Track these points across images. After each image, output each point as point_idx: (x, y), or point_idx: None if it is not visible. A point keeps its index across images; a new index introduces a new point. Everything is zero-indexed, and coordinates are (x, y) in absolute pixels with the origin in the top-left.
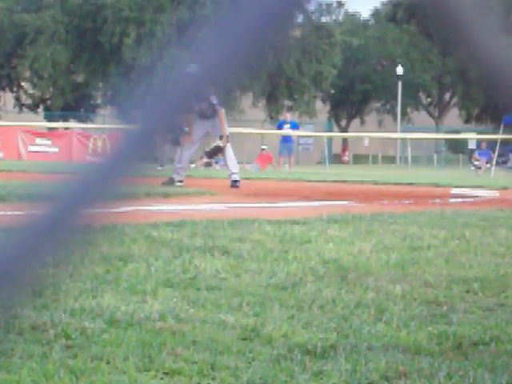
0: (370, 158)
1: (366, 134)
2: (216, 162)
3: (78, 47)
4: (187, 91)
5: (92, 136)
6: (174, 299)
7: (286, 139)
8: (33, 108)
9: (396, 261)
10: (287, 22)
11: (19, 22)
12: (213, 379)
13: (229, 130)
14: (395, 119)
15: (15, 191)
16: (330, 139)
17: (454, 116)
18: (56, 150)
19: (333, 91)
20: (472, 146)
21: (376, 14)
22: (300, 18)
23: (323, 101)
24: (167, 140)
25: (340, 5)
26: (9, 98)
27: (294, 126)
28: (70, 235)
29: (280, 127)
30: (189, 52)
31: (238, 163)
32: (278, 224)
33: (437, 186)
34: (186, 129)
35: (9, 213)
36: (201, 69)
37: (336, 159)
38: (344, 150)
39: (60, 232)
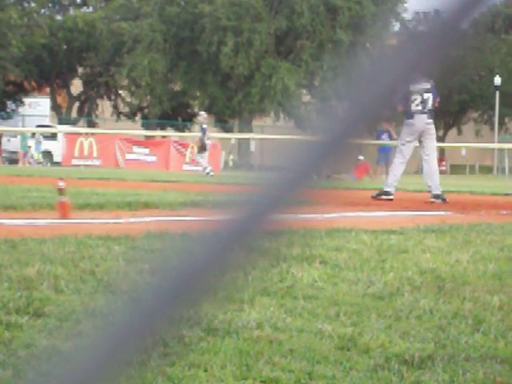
0: (468, 168)
1: (463, 145)
2: None
3: (175, 56)
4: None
5: (189, 145)
6: (271, 308)
7: (384, 149)
8: (130, 116)
9: (493, 271)
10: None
11: (117, 30)
12: None
13: None
14: (492, 129)
15: (120, 199)
16: None
17: None
18: (154, 158)
19: None
20: None
21: (474, 23)
22: (397, 27)
23: None
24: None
25: (437, 14)
26: (107, 106)
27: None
28: (257, 241)
29: (379, 137)
30: (286, 62)
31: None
32: (374, 233)
33: None
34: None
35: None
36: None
37: None
38: (441, 160)
39: (248, 238)
